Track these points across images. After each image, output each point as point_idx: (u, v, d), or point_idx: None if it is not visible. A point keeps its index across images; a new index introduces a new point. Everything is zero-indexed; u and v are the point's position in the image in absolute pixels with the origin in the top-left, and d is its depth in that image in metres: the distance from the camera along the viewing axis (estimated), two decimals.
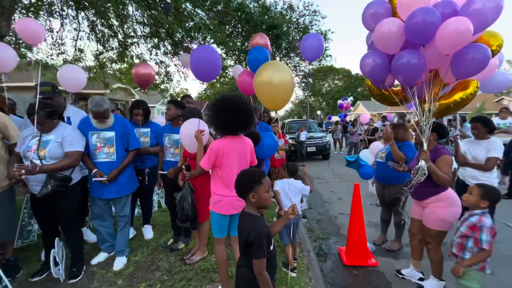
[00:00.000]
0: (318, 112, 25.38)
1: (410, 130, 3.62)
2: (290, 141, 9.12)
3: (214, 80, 17.20)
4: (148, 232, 3.45)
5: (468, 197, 1.98)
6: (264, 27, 9.10)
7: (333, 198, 5.47)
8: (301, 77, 15.41)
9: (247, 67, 3.50)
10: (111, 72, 10.17)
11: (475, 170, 3.02)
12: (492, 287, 2.48)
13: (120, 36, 7.26)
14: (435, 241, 2.39)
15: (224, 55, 11.67)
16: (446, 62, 2.10)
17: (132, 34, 7.32)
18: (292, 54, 12.01)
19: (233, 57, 12.07)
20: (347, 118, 14.30)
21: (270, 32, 8.71)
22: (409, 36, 2.00)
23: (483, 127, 3.02)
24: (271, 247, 1.46)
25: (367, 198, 4.98)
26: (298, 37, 11.17)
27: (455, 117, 5.84)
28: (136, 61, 7.96)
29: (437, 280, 2.41)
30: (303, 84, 16.68)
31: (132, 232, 3.35)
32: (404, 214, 3.20)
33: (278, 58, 11.27)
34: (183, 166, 2.50)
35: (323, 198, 5.49)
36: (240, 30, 9.57)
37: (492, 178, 2.95)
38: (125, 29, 7.15)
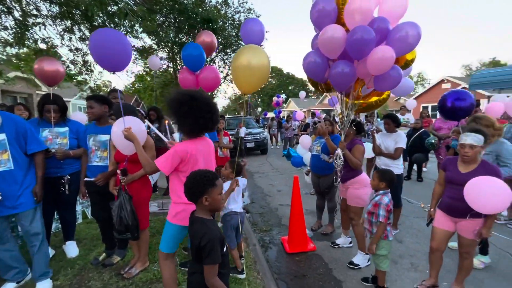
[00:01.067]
0: (259, 109, 26.11)
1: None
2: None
3: (144, 73, 15.69)
4: (71, 249, 2.94)
5: (372, 182, 2.37)
6: (198, 19, 8.75)
7: (273, 191, 5.75)
8: None
9: (181, 61, 3.37)
10: (4, 57, 8.17)
11: (387, 158, 3.62)
12: (401, 253, 3.04)
13: (17, 14, 5.85)
14: (357, 216, 2.88)
15: (155, 46, 10.76)
16: (371, 77, 2.46)
17: (35, 12, 5.99)
18: (228, 50, 11.94)
19: (166, 49, 11.23)
20: (281, 115, 15.20)
21: (206, 26, 8.42)
22: (349, 50, 2.25)
23: (392, 122, 3.64)
24: (224, 249, 1.43)
25: (302, 188, 5.41)
26: (234, 33, 11.17)
27: (372, 114, 6.88)
28: (42, 45, 6.58)
29: (363, 253, 2.83)
30: None
31: (50, 252, 2.81)
32: (337, 200, 3.62)
33: (214, 54, 11.05)
34: (118, 171, 2.20)
35: (264, 192, 5.71)
36: (172, 20, 8.95)
37: (399, 164, 3.60)
38: (23, 5, 5.80)
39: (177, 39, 9.88)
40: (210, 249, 1.30)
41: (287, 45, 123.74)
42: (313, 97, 54.48)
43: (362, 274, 2.67)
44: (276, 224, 4.06)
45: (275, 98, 13.33)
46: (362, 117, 7.19)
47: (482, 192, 1.81)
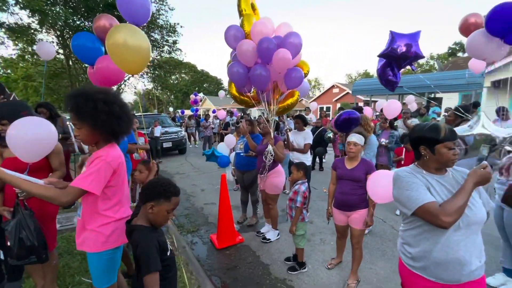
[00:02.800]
0: (171, 109, 24.48)
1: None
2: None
3: (16, 58, 12.28)
4: None
5: (293, 175, 2.79)
6: (99, 1, 7.57)
7: (196, 191, 5.70)
8: (151, 68, 14.29)
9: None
10: None
11: (299, 153, 4.22)
12: (313, 232, 3.64)
13: None
14: (273, 201, 3.38)
15: (36, 26, 8.63)
16: (281, 77, 2.87)
17: None
18: None
19: (56, 32, 9.17)
20: (198, 113, 14.96)
21: (109, 12, 7.39)
22: (259, 56, 2.55)
23: (301, 122, 4.27)
24: (168, 253, 1.42)
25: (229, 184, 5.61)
26: (145, 24, 10.22)
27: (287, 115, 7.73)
28: None
29: (274, 230, 3.45)
30: (151, 75, 15.52)
31: None
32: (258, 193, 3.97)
33: None
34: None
35: (187, 193, 5.59)
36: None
37: (308, 158, 4.26)
38: None
39: (70, 22, 8.24)
40: (146, 258, 1.23)
41: (202, 42, 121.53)
42: (228, 95, 55.74)
43: (284, 255, 3.07)
44: (203, 223, 4.09)
45: (192, 96, 13.00)
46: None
47: (379, 185, 2.15)
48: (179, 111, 18.51)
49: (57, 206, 2.15)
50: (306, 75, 3.43)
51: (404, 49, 2.63)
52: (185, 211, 4.59)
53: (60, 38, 9.40)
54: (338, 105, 25.44)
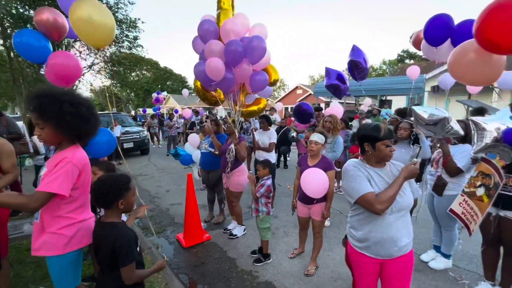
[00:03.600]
0: (132, 112, 22.92)
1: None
2: None
3: None
4: None
5: (260, 172, 2.95)
6: None
7: (161, 192, 5.57)
8: (110, 64, 13.37)
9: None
10: None
11: (264, 152, 4.40)
12: (277, 225, 3.84)
13: None
14: (236, 199, 3.49)
15: None
16: (247, 79, 2.99)
17: None
18: None
19: None
20: (161, 111, 14.43)
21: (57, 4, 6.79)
22: (226, 58, 2.64)
23: (266, 121, 4.46)
24: (138, 248, 1.46)
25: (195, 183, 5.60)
26: None
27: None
28: None
29: (240, 225, 3.57)
30: (108, 70, 14.52)
31: None
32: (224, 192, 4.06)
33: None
34: None
35: (151, 194, 5.44)
36: None
37: (273, 156, 4.46)
38: None
39: (13, 10, 7.36)
40: (126, 250, 1.31)
41: (166, 39, 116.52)
42: (193, 94, 54.35)
43: (251, 249, 3.22)
44: (170, 223, 4.06)
45: (155, 95, 12.49)
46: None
47: (309, 182, 2.47)
48: (141, 109, 17.63)
49: (8, 210, 2.02)
50: (274, 82, 3.60)
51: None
52: (150, 212, 4.48)
53: None
54: None
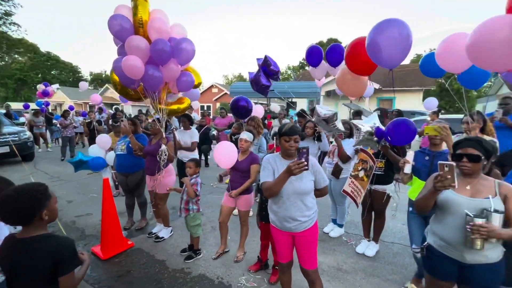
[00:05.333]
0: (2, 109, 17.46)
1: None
2: None
3: None
4: None
5: (191, 170, 3.02)
6: None
7: (62, 204, 4.70)
8: None
9: None
10: None
11: (187, 151, 4.40)
12: (204, 222, 3.95)
13: None
14: (162, 201, 3.46)
15: None
16: (174, 79, 2.98)
17: None
18: None
19: None
20: (49, 107, 11.80)
21: None
22: (152, 56, 2.58)
23: (188, 120, 4.47)
24: None
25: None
26: None
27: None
28: None
29: (166, 227, 3.53)
30: None
31: None
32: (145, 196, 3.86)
33: None
34: None
35: None
36: None
37: (195, 154, 4.51)
38: None
39: None
40: (72, 253, 1.27)
41: (54, 19, 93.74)
42: (90, 87, 46.26)
43: (180, 248, 3.23)
44: (80, 237, 3.54)
45: (41, 86, 10.02)
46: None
47: (221, 155, 2.85)
48: (23, 105, 13.77)
49: None
50: (198, 85, 3.64)
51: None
52: (49, 229, 3.75)
53: None
54: (218, 105, 26.86)
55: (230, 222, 3.95)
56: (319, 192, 2.05)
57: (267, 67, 3.44)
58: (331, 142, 3.84)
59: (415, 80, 15.49)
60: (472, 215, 1.49)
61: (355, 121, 3.18)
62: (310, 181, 1.95)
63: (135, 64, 2.52)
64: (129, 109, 15.45)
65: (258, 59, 3.55)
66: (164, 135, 3.30)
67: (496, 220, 1.46)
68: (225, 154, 2.82)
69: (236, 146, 4.08)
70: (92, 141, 7.28)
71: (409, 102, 14.58)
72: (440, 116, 6.42)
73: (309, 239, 2.00)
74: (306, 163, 1.67)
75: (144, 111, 10.40)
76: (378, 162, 2.95)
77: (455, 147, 1.73)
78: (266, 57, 3.46)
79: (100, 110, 9.72)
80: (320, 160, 3.85)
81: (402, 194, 3.05)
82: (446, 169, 1.47)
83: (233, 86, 13.11)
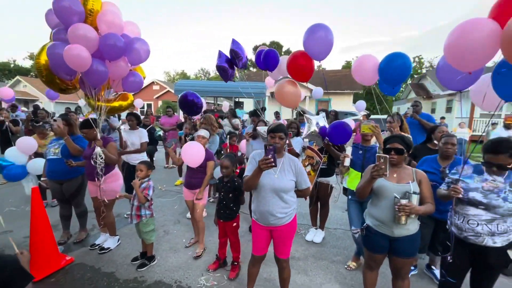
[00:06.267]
0: None
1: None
2: None
3: None
4: None
5: (142, 173, 2.86)
6: None
7: None
8: None
9: None
10: None
11: (135, 153, 4.10)
12: (156, 226, 3.75)
13: None
14: (108, 208, 3.13)
15: None
16: (120, 78, 2.78)
17: None
18: None
19: None
20: None
21: None
22: (101, 50, 2.36)
23: (135, 119, 4.16)
24: None
25: (26, 202, 4.25)
26: None
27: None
28: None
29: (113, 236, 3.27)
30: None
31: None
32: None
33: None
34: None
35: None
36: None
37: (144, 156, 4.23)
38: None
39: None
40: (22, 270, 1.15)
41: None
42: None
43: (130, 257, 3.01)
44: None
45: None
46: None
47: (188, 155, 2.88)
48: None
49: None
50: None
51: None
52: None
53: None
54: (160, 103, 25.31)
55: (182, 225, 3.89)
56: (300, 193, 2.15)
57: (234, 56, 3.49)
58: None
59: (346, 84, 17.46)
60: (399, 197, 1.84)
61: (309, 116, 3.52)
62: (290, 181, 2.03)
63: (81, 55, 2.24)
64: (51, 106, 13.07)
65: (222, 53, 3.58)
66: (98, 136, 2.98)
67: (415, 200, 1.84)
68: (193, 153, 2.87)
69: None
70: (4, 144, 6.06)
71: (342, 103, 16.37)
72: (374, 116, 7.53)
73: (286, 234, 2.13)
74: (272, 159, 1.78)
75: (73, 109, 9.12)
76: (322, 158, 3.29)
77: (384, 143, 2.10)
78: (233, 44, 3.50)
79: (14, 108, 8.13)
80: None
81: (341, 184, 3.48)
82: (382, 160, 1.78)
83: (178, 84, 12.54)
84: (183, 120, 6.52)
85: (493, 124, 9.02)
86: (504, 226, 1.78)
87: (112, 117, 7.19)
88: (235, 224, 2.71)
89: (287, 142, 3.61)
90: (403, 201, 1.81)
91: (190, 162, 2.89)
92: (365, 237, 2.14)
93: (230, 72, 3.55)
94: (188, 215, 4.17)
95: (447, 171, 2.43)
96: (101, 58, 2.48)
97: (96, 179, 2.93)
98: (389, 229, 1.95)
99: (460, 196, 1.84)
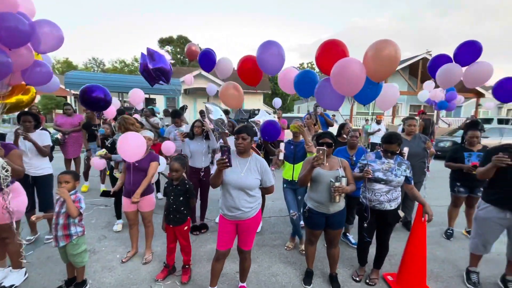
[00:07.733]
0: None
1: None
2: None
3: None
4: None
5: (66, 184, 2.40)
6: None
7: None
8: None
9: None
10: None
11: (38, 161, 3.30)
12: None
13: None
14: (11, 233, 2.44)
15: None
16: (23, 68, 2.24)
17: None
18: None
19: None
20: None
21: None
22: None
23: (34, 120, 3.33)
24: None
25: None
26: None
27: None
28: None
29: (17, 269, 2.58)
30: None
31: None
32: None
33: None
34: None
35: None
36: None
37: (47, 163, 3.46)
38: None
39: None
40: None
41: None
42: None
43: None
44: None
45: None
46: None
47: (125, 147, 2.56)
48: None
49: None
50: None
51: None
52: None
53: None
54: (38, 97, 20.11)
55: (110, 239, 3.46)
56: (265, 190, 2.30)
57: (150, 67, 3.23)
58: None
59: (259, 84, 18.85)
60: (333, 181, 2.32)
61: (207, 105, 3.76)
62: (255, 179, 2.16)
63: None
64: None
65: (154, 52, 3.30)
66: None
67: (344, 182, 2.36)
68: (133, 145, 2.53)
69: (111, 152, 3.58)
70: None
71: (252, 103, 17.62)
72: (284, 114, 8.49)
73: (251, 227, 2.26)
74: (227, 160, 1.91)
75: None
76: (260, 153, 3.61)
77: (318, 138, 2.56)
78: (149, 50, 3.24)
79: None
80: (212, 157, 4.08)
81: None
82: (321, 152, 2.19)
83: (69, 76, 10.29)
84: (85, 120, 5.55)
85: (366, 120, 11.83)
86: (395, 194, 2.54)
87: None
88: (186, 227, 2.66)
89: (225, 139, 3.77)
90: (337, 184, 2.30)
91: (129, 156, 2.55)
92: (307, 218, 2.56)
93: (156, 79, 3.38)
94: (116, 227, 3.71)
95: (354, 158, 3.21)
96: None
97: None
98: (326, 208, 2.42)
99: (370, 176, 2.49)
